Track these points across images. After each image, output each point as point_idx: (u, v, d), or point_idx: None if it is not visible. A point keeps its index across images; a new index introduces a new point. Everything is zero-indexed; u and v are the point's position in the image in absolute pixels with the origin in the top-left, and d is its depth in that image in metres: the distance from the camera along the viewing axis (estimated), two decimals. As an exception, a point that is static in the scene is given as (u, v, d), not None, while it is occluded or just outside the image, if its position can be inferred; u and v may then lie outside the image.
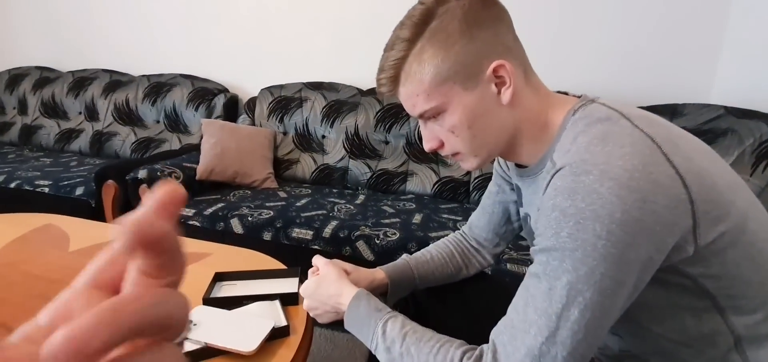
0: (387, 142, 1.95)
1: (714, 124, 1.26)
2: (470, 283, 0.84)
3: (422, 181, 1.85)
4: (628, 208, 0.41)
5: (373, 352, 0.59)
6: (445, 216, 1.57)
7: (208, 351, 0.64)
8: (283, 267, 0.93)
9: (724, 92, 1.62)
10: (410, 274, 0.79)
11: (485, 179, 1.77)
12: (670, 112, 1.40)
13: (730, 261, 0.45)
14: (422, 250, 0.84)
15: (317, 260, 0.74)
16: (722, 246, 0.44)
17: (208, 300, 0.77)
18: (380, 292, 0.76)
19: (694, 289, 0.47)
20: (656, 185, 0.42)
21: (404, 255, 0.83)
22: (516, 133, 0.55)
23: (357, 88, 2.05)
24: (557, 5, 1.81)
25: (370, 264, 1.33)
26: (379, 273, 0.77)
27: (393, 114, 1.93)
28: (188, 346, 0.64)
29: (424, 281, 0.80)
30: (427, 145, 0.58)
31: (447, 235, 1.35)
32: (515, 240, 0.84)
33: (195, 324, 0.68)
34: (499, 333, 0.50)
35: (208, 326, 0.68)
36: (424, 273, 0.80)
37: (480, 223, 0.83)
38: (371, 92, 2.01)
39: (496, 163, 0.79)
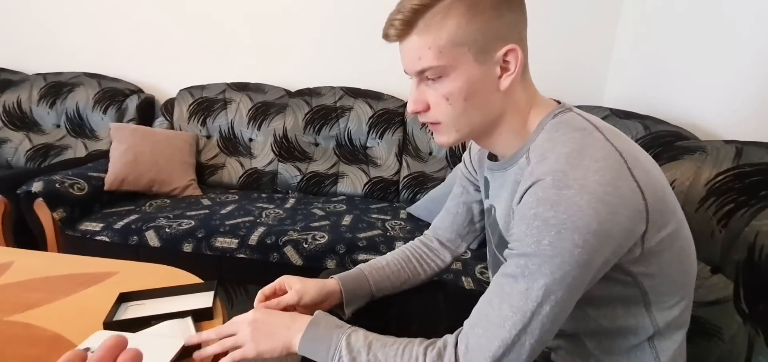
0: (317, 144, 1.93)
1: (602, 125, 1.42)
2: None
3: (353, 181, 1.86)
4: (602, 220, 0.45)
5: None
6: (375, 216, 1.59)
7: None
8: (199, 281, 0.89)
9: (613, 96, 1.84)
10: (364, 281, 0.78)
11: (413, 178, 1.83)
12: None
13: (665, 262, 0.51)
14: (377, 258, 0.84)
15: (277, 281, 0.74)
16: (661, 248, 0.51)
17: (110, 324, 0.71)
18: (335, 303, 0.75)
19: (631, 284, 0.53)
20: (622, 199, 0.46)
21: (360, 264, 0.82)
22: (499, 120, 0.57)
23: (284, 89, 2.00)
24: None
25: (299, 270, 1.32)
26: (329, 283, 0.75)
27: (322, 115, 1.91)
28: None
29: (379, 287, 0.79)
30: (413, 107, 0.57)
31: (376, 236, 1.40)
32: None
33: (92, 352, 0.63)
34: (473, 325, 0.52)
35: (108, 353, 0.62)
36: (379, 279, 0.79)
37: (443, 225, 0.85)
38: (299, 94, 1.97)
39: (462, 165, 0.81)
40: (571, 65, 1.90)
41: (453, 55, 0.52)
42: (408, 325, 0.81)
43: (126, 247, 1.37)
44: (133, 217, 1.45)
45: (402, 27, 0.52)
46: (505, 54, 0.53)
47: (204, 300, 0.80)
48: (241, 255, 1.34)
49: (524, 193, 0.50)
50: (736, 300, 0.69)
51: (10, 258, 0.98)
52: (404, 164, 1.86)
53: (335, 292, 0.75)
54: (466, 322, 0.54)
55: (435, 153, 1.87)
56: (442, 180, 1.74)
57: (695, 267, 0.58)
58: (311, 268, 1.31)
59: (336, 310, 0.76)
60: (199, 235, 1.37)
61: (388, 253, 0.87)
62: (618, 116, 1.41)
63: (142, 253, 1.36)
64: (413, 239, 0.90)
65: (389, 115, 1.89)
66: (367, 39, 1.96)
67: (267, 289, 0.72)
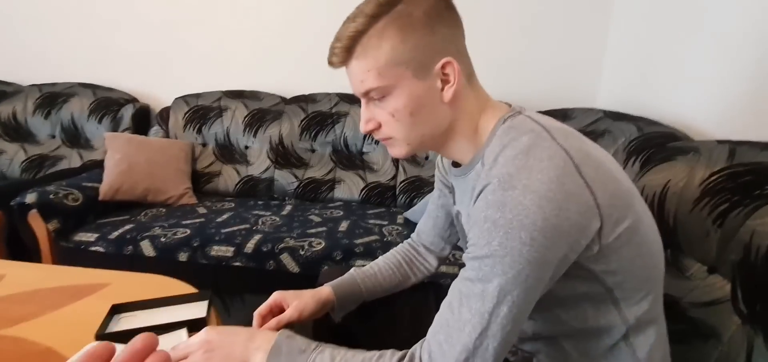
0: (313, 150, 1.92)
1: (595, 126, 1.41)
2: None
3: (350, 187, 1.85)
4: (547, 216, 0.46)
5: None
6: (372, 221, 1.59)
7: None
8: (193, 290, 0.88)
9: (606, 98, 1.84)
10: (357, 288, 0.80)
11: (410, 183, 1.82)
12: (561, 115, 1.54)
13: (625, 258, 0.52)
14: (370, 264, 0.86)
15: (272, 298, 0.73)
16: (620, 244, 0.51)
17: (103, 337, 0.70)
18: (329, 309, 0.77)
19: (594, 282, 0.53)
20: (568, 195, 0.47)
21: (352, 270, 0.84)
22: (450, 131, 0.59)
23: (280, 96, 2.00)
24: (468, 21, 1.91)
25: (296, 277, 1.32)
26: (324, 291, 0.77)
27: (318, 121, 1.91)
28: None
29: (371, 293, 0.82)
30: (365, 126, 0.59)
31: (373, 241, 1.39)
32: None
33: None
34: (435, 333, 0.52)
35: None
36: (372, 285, 0.82)
37: (426, 229, 0.87)
38: (295, 100, 1.97)
39: (436, 168, 0.82)
40: (564, 68, 1.90)
41: (393, 74, 0.54)
42: (397, 327, 0.82)
43: (121, 258, 1.36)
44: (127, 227, 1.44)
45: (342, 54, 0.55)
46: (443, 67, 0.55)
47: (198, 310, 0.79)
48: (237, 264, 1.33)
49: (476, 198, 0.52)
50: (733, 300, 0.68)
51: (2, 271, 0.97)
52: (401, 169, 1.86)
53: (330, 301, 0.77)
54: (429, 330, 0.54)
55: (431, 157, 1.87)
56: (439, 184, 1.73)
57: (661, 259, 0.58)
58: (308, 276, 1.30)
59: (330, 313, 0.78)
60: (195, 244, 1.36)
61: (380, 258, 0.88)
62: (611, 118, 1.42)
63: (137, 263, 1.35)
64: None
65: (385, 120, 1.88)
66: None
67: (263, 309, 0.72)
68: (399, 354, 0.54)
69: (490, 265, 0.48)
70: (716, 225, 0.73)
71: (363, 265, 0.86)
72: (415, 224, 1.59)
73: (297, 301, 0.73)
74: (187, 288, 0.91)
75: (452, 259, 1.27)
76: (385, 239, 1.43)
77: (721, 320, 0.69)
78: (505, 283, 0.47)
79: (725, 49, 1.14)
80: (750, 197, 0.71)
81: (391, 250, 0.90)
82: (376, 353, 0.55)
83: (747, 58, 1.07)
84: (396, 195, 1.84)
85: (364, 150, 1.91)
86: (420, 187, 1.81)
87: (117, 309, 0.78)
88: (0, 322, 0.78)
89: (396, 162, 1.87)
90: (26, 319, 0.79)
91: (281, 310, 0.73)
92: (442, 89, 0.56)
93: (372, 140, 1.88)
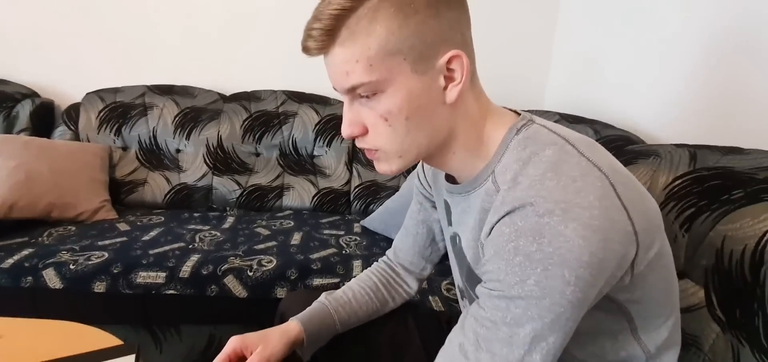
0: (258, 154, 1.74)
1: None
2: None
3: (300, 194, 1.70)
4: (594, 250, 0.39)
5: None
6: (327, 232, 1.46)
7: None
8: (114, 340, 0.70)
9: (554, 100, 1.88)
10: (330, 320, 0.69)
11: (365, 188, 1.72)
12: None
13: (650, 284, 0.46)
14: (343, 288, 0.75)
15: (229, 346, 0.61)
16: (649, 271, 0.45)
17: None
18: (297, 345, 0.66)
19: (615, 313, 0.47)
20: (612, 222, 0.40)
21: (322, 297, 0.72)
22: (450, 139, 0.49)
23: (218, 93, 1.78)
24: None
25: (243, 303, 1.15)
26: (292, 328, 0.65)
27: (263, 122, 1.73)
28: None
29: (345, 324, 0.71)
30: (347, 130, 0.48)
31: (331, 255, 1.27)
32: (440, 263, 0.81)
33: None
34: None
35: None
36: (346, 315, 0.71)
37: (404, 246, 0.77)
38: (235, 98, 1.77)
39: (417, 179, 0.73)
40: (512, 68, 1.91)
41: (387, 66, 0.44)
42: (377, 355, 0.73)
43: (17, 293, 1.09)
44: (26, 252, 1.17)
45: (322, 38, 0.44)
46: (449, 61, 0.45)
47: (122, 370, 0.62)
48: (171, 292, 1.13)
49: (495, 224, 0.43)
50: (709, 306, 0.67)
51: None
52: (355, 173, 1.75)
53: (299, 339, 0.66)
54: None
55: (387, 160, 1.77)
56: (396, 188, 1.65)
57: (677, 282, 0.54)
58: (257, 300, 1.14)
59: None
60: (115, 271, 1.13)
61: (353, 281, 0.77)
62: (567, 121, 1.43)
63: (39, 299, 1.09)
64: (370, 255, 0.81)
65: (337, 122, 1.76)
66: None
67: (222, 359, 0.59)
68: None
69: (523, 308, 0.40)
70: (683, 230, 0.73)
71: (322, 286, 0.75)
72: (374, 233, 1.51)
73: (262, 346, 0.60)
74: (107, 337, 0.73)
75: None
76: (343, 251, 1.31)
77: (700, 327, 0.68)
78: (542, 329, 0.40)
79: (674, 52, 1.18)
80: (718, 201, 0.72)
81: (364, 272, 0.80)
82: None
83: (696, 62, 1.11)
84: (350, 202, 1.73)
85: (315, 153, 1.76)
86: (376, 192, 1.71)
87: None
88: None
89: (350, 166, 1.76)
90: None
91: (241, 360, 0.60)
92: (445, 88, 0.46)
93: (323, 142, 1.75)
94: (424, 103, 0.46)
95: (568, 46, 1.81)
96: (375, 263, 0.82)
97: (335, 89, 0.48)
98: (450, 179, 0.58)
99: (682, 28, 1.15)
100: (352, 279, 0.78)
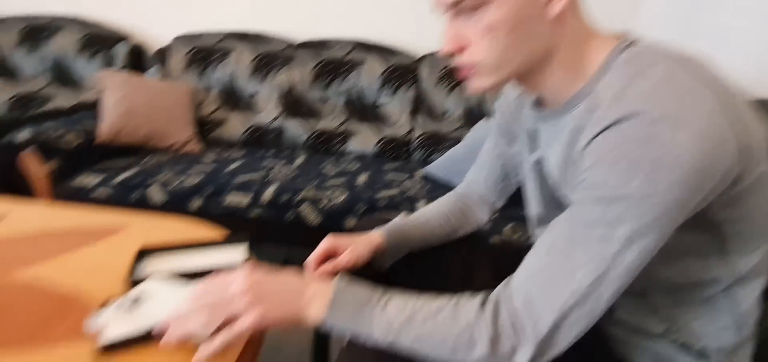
0: (326, 100, 1.82)
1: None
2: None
3: (364, 140, 1.77)
4: (705, 154, 0.39)
5: (371, 343, 0.50)
6: (391, 175, 1.52)
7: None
8: (224, 233, 0.80)
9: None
10: (409, 235, 0.75)
11: (427, 138, 1.74)
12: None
13: (752, 205, 0.46)
14: (420, 211, 0.80)
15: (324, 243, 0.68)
16: (751, 190, 0.45)
17: (135, 282, 0.63)
18: (379, 254, 0.72)
19: (711, 232, 0.47)
20: (720, 136, 0.40)
21: (399, 216, 0.78)
22: (548, 57, 0.49)
23: (288, 41, 1.86)
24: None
25: (317, 229, 1.25)
26: (376, 237, 0.71)
27: (331, 69, 1.79)
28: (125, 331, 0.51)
29: (422, 242, 0.76)
30: (449, 45, 0.50)
31: (395, 195, 1.33)
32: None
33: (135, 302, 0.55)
34: (530, 276, 0.46)
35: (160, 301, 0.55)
36: (422, 234, 0.76)
37: (478, 179, 0.80)
38: (306, 45, 1.84)
39: (498, 114, 0.74)
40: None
41: None
42: (448, 280, 0.76)
43: (127, 204, 1.27)
44: (133, 171, 1.34)
45: None
46: None
47: (237, 254, 0.72)
48: (254, 214, 1.25)
49: (597, 135, 0.43)
50: None
51: (3, 209, 0.87)
52: (418, 123, 1.78)
53: (381, 248, 0.71)
54: (516, 275, 0.47)
55: (450, 112, 1.78)
56: (458, 140, 1.66)
57: None
58: (330, 227, 1.22)
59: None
60: (208, 192, 1.27)
61: (430, 206, 0.81)
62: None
63: (144, 211, 1.26)
64: (434, 198, 0.85)
65: (403, 71, 1.79)
66: (379, -13, 1.83)
67: (316, 255, 0.66)
68: (478, 299, 0.48)
69: (621, 209, 0.41)
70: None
71: (389, 219, 0.79)
72: (436, 180, 1.54)
73: (352, 247, 0.67)
74: (212, 232, 0.83)
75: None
76: (406, 194, 1.36)
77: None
78: (639, 229, 0.41)
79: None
80: None
81: (438, 200, 0.83)
82: (449, 299, 0.49)
83: None
84: (411, 151, 1.77)
85: (380, 101, 1.81)
86: (437, 143, 1.73)
87: (145, 253, 0.70)
88: (6, 266, 0.69)
89: (413, 115, 1.79)
90: (40, 261, 0.70)
91: (333, 257, 0.67)
92: (548, 2, 0.46)
93: (388, 91, 1.78)
94: (528, 16, 0.46)
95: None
96: (449, 193, 0.85)
97: (438, 7, 0.49)
98: (539, 106, 0.58)
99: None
100: (429, 205, 0.82)
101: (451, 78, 1.76)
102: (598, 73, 0.48)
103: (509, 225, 1.20)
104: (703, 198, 0.42)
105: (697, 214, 0.45)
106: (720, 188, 0.43)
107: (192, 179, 1.31)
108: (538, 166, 0.60)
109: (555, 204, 0.56)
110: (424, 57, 1.83)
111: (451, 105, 1.77)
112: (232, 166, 1.45)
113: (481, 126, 1.58)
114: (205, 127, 1.76)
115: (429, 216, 0.78)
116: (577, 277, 0.43)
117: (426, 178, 1.54)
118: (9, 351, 0.53)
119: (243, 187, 1.29)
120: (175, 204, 1.26)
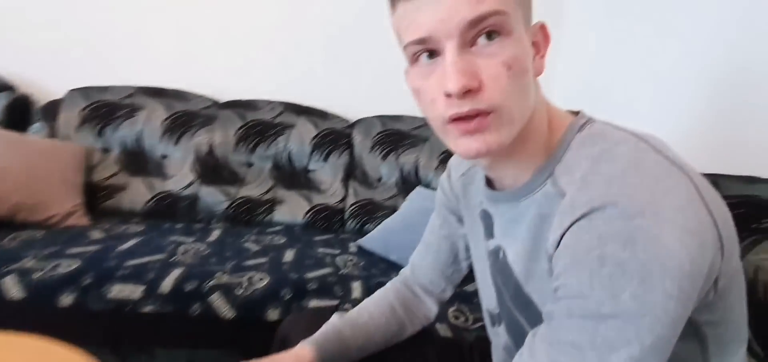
0: (250, 165, 1.65)
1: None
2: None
3: (292, 209, 1.61)
4: (694, 257, 0.34)
5: None
6: (321, 250, 1.36)
7: None
8: (79, 359, 0.59)
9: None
10: (346, 346, 0.60)
11: (361, 207, 1.64)
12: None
13: (729, 304, 0.41)
14: (357, 308, 0.66)
15: None
16: (730, 285, 0.40)
17: None
18: None
19: (691, 338, 0.41)
20: (703, 226, 0.35)
21: (333, 318, 0.63)
22: (530, 123, 0.42)
23: (212, 100, 1.70)
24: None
25: (230, 324, 1.04)
26: (305, 354, 0.57)
27: (258, 131, 1.65)
28: None
29: (362, 350, 0.62)
30: (463, 80, 0.37)
31: (327, 274, 1.16)
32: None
33: None
34: None
35: None
36: (363, 340, 0.62)
37: (424, 263, 0.70)
38: (231, 105, 1.69)
39: (440, 189, 0.66)
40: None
41: (513, 3, 0.38)
42: None
43: (-33, 301, 0.96)
44: (-18, 256, 1.04)
45: None
46: (542, 27, 0.42)
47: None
48: (148, 309, 1.01)
49: (567, 230, 0.37)
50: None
51: None
52: (351, 190, 1.67)
53: None
54: None
55: (384, 179, 1.71)
56: (393, 209, 1.58)
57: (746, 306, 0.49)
58: (247, 321, 1.03)
59: None
60: (86, 282, 1.01)
61: (368, 301, 0.69)
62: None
63: (-6, 309, 0.96)
64: (370, 276, 0.73)
65: (335, 136, 1.70)
66: (312, 50, 1.76)
67: None
68: None
69: (617, 329, 0.33)
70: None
71: (320, 306, 0.65)
72: (370, 254, 1.41)
73: None
74: (71, 357, 0.61)
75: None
76: (340, 272, 1.22)
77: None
78: (640, 354, 0.33)
79: (679, 80, 1.17)
80: (747, 230, 0.69)
81: (379, 291, 0.71)
82: None
83: (698, 92, 1.09)
84: (344, 220, 1.64)
85: (311, 167, 1.68)
86: (372, 212, 1.63)
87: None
88: None
89: (345, 182, 1.68)
90: None
91: None
92: (537, 56, 0.41)
93: (320, 157, 1.67)
94: (529, 65, 0.40)
95: (570, 68, 1.78)
96: (389, 282, 0.73)
97: (434, 34, 0.37)
98: (490, 186, 0.51)
99: (685, 56, 1.15)
100: (367, 299, 0.70)
101: (386, 143, 1.71)
102: (556, 151, 0.42)
103: (451, 309, 1.09)
104: (694, 303, 0.37)
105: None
106: (706, 287, 0.37)
107: (67, 264, 1.04)
108: (496, 255, 0.52)
109: (521, 303, 0.48)
110: (358, 121, 1.76)
111: (385, 171, 1.70)
112: (126, 245, 1.20)
113: (417, 194, 1.52)
114: (98, 195, 1.49)
115: (368, 316, 0.65)
116: None
117: (361, 252, 1.41)
118: None
119: (135, 274, 1.05)
120: (38, 301, 0.98)
